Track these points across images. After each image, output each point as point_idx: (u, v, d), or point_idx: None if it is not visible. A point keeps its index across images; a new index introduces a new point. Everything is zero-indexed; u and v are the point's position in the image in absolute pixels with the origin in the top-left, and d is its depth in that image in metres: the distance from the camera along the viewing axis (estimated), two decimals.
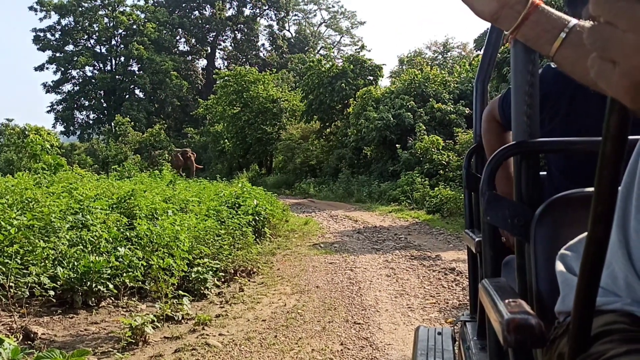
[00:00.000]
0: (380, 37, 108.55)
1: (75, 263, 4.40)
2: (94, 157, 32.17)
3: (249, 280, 5.80)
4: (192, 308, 4.49)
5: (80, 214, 5.32)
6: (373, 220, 11.88)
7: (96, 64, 43.38)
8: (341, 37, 54.98)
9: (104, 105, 43.29)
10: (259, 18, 51.20)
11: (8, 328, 3.68)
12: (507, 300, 0.80)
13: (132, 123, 33.02)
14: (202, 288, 4.95)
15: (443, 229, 9.82)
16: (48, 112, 43.03)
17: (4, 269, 3.92)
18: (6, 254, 4.19)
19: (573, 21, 0.87)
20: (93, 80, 42.85)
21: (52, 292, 3.91)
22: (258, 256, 6.76)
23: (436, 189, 13.21)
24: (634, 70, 0.39)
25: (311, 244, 8.47)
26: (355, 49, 29.68)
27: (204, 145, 35.28)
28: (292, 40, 53.14)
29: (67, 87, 43.22)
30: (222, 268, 5.59)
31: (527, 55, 1.04)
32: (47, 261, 4.27)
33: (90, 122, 43.48)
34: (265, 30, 52.58)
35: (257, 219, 8.44)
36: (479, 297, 1.00)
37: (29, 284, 3.86)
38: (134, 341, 3.56)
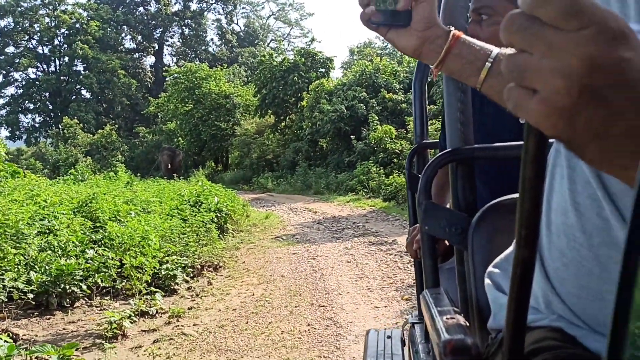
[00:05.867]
0: (330, 28, 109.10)
1: (47, 267, 4.55)
2: (42, 161, 31.31)
3: (216, 274, 6.05)
4: (165, 303, 4.71)
5: (47, 219, 5.44)
6: (332, 210, 12.24)
7: (39, 65, 42.01)
8: (291, 29, 55.01)
9: (50, 107, 42.01)
10: (206, 12, 50.63)
11: None
12: (445, 317, 0.82)
13: (81, 125, 32.34)
14: (173, 284, 5.17)
15: (399, 215, 10.27)
16: None
17: None
18: None
19: (495, 50, 0.87)
20: (37, 82, 41.50)
21: (31, 295, 4.07)
22: (223, 251, 6.99)
23: (391, 177, 13.70)
24: (553, 95, 0.38)
25: (273, 237, 8.74)
26: (306, 42, 30.06)
27: (156, 144, 34.80)
28: (241, 34, 52.80)
29: (10, 90, 41.76)
30: (190, 264, 5.82)
31: None
32: (19, 266, 4.41)
33: (37, 125, 42.12)
34: (213, 24, 52.05)
35: (219, 215, 8.65)
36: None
37: (8, 289, 4.01)
38: (113, 335, 3.78)
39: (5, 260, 4.37)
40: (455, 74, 0.92)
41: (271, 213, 11.99)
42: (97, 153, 29.56)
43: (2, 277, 4.12)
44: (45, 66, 42.35)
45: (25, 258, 4.59)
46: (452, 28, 0.89)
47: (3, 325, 3.88)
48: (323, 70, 24.72)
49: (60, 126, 33.80)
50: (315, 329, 3.99)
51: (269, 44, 51.91)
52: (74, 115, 35.52)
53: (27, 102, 41.92)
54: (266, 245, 7.92)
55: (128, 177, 14.82)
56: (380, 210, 11.45)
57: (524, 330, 0.55)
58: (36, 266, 4.57)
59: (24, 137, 41.36)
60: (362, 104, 18.91)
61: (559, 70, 0.37)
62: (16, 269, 4.31)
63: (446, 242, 1.28)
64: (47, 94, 41.80)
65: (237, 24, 53.48)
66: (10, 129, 40.99)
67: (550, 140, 0.47)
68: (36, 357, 3.03)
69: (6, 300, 4.14)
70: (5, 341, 2.70)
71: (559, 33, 0.37)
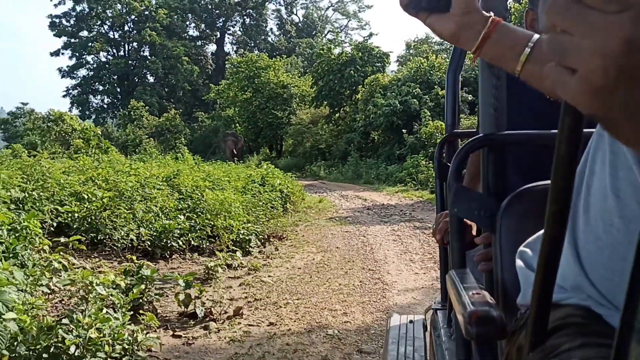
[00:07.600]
0: (387, 20, 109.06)
1: (150, 226, 5.70)
2: (109, 140, 33.39)
3: (281, 243, 7.09)
4: (242, 260, 5.78)
5: (147, 188, 6.62)
6: (381, 199, 13.12)
7: (110, 49, 44.63)
8: (348, 21, 55.71)
9: (118, 90, 44.63)
10: (267, 3, 52.07)
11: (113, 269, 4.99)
12: (471, 292, 0.82)
13: (146, 107, 34.33)
14: (248, 247, 6.25)
15: None
16: (64, 96, 44.49)
17: (111, 226, 5.23)
18: (100, 218, 5.51)
19: (535, 36, 0.86)
20: (107, 66, 44.17)
21: (148, 243, 5.21)
22: (285, 226, 8.05)
23: None
24: (591, 74, 0.39)
25: (327, 218, 9.74)
26: (364, 37, 30.94)
27: (214, 129, 36.46)
28: (300, 24, 53.99)
29: (82, 72, 44.63)
30: (260, 232, 6.89)
31: None
32: (132, 223, 5.58)
33: (105, 106, 44.88)
34: (273, 14, 53.57)
35: (281, 196, 9.73)
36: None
37: (130, 237, 5.17)
38: (208, 277, 4.86)
39: (122, 217, 5.55)
40: (493, 60, 0.92)
41: (324, 198, 12.99)
42: (161, 135, 31.40)
43: (115, 231, 5.30)
44: (115, 50, 44.90)
45: (134, 218, 5.76)
46: (492, 14, 0.89)
47: (122, 267, 5.02)
48: (379, 64, 25.49)
49: (127, 108, 35.97)
50: (365, 284, 4.96)
51: (326, 35, 52.90)
52: (140, 98, 37.71)
53: (97, 83, 44.69)
54: (321, 224, 8.92)
55: (197, 159, 16.17)
56: (427, 201, 12.24)
57: (549, 305, 0.57)
58: (143, 224, 5.73)
59: (93, 116, 44.11)
60: (415, 100, 19.64)
61: (598, 50, 0.38)
62: (130, 225, 5.48)
63: (473, 231, 1.31)
64: (115, 77, 44.39)
65: (296, 14, 54.77)
66: (80, 109, 43.83)
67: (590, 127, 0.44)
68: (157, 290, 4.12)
69: (123, 248, 5.32)
70: (147, 266, 3.79)
71: (599, 15, 0.38)
